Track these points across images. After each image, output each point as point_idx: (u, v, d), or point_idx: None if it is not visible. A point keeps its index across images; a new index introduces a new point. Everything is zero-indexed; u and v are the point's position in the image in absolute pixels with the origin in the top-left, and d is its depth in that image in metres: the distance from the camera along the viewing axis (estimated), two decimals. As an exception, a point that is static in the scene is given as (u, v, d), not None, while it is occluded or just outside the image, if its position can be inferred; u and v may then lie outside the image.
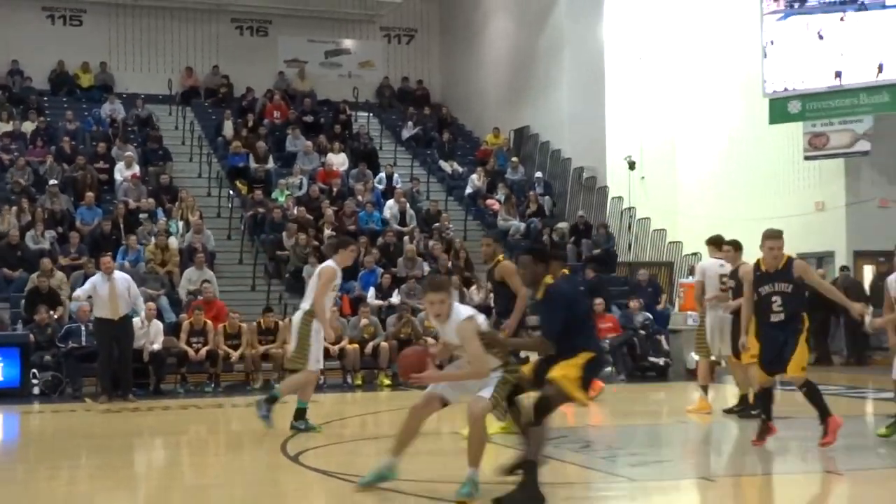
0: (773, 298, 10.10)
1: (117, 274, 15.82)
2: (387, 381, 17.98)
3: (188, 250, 20.55)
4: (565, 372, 7.62)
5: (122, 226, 21.08)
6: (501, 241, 12.83)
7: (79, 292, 15.91)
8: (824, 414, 10.01)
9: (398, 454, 7.98)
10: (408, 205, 23.95)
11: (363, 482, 7.99)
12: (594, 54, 26.83)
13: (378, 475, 7.97)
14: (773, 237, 10.26)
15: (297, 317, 11.94)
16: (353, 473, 8.80)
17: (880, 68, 23.55)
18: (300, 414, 11.78)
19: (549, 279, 8.05)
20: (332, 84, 30.83)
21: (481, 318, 7.76)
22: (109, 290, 15.32)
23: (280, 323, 17.89)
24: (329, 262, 12.07)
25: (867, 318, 11.09)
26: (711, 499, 8.49)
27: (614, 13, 27.60)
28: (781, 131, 25.33)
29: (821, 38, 24.35)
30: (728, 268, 13.09)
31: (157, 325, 17.11)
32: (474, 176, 26.22)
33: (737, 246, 13.16)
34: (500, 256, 11.60)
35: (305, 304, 11.82)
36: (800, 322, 10.16)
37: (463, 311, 7.70)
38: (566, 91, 26.86)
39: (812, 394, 10.13)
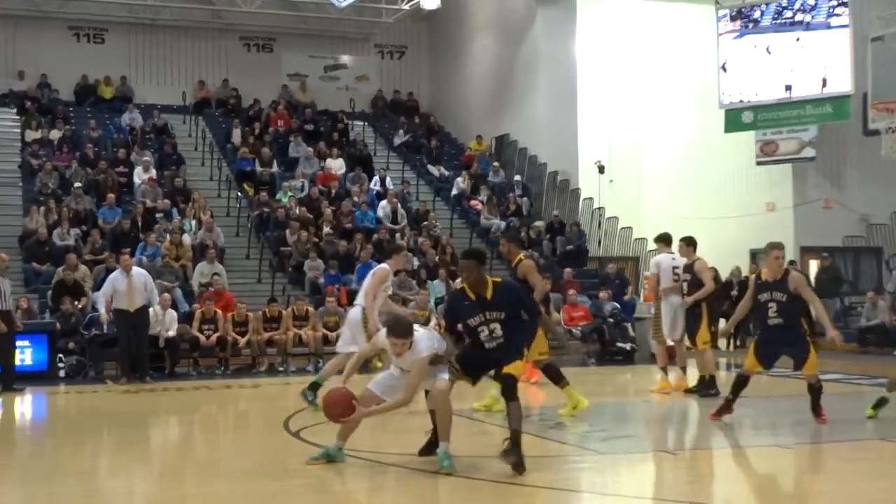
0: (770, 305, 10.09)
1: (135, 270, 15.88)
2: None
3: (200, 246, 20.53)
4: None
5: (140, 224, 21.05)
6: (514, 240, 12.70)
7: (99, 297, 15.95)
8: (816, 409, 10.19)
9: (344, 440, 8.08)
10: (399, 205, 23.94)
11: (311, 458, 8.14)
12: (567, 69, 26.85)
13: (326, 454, 8.10)
14: (777, 248, 10.27)
15: (354, 312, 11.93)
16: (349, 448, 8.81)
17: (824, 82, 23.64)
18: (315, 387, 11.65)
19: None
20: (330, 96, 30.78)
21: (440, 345, 7.86)
22: (128, 286, 15.44)
23: (283, 312, 17.91)
24: (384, 265, 12.24)
25: (837, 342, 11.11)
26: (671, 469, 8.51)
27: (586, 31, 27.60)
28: (735, 139, 25.41)
29: (771, 54, 24.44)
30: (680, 261, 13.11)
31: (172, 314, 17.10)
32: (459, 179, 26.21)
33: (689, 242, 13.16)
34: (522, 255, 11.57)
35: (360, 301, 11.83)
36: (801, 327, 10.30)
37: (423, 346, 7.73)
38: (542, 102, 26.88)
39: (815, 391, 10.24)
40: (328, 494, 7.14)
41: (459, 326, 8.05)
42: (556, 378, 10.88)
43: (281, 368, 17.65)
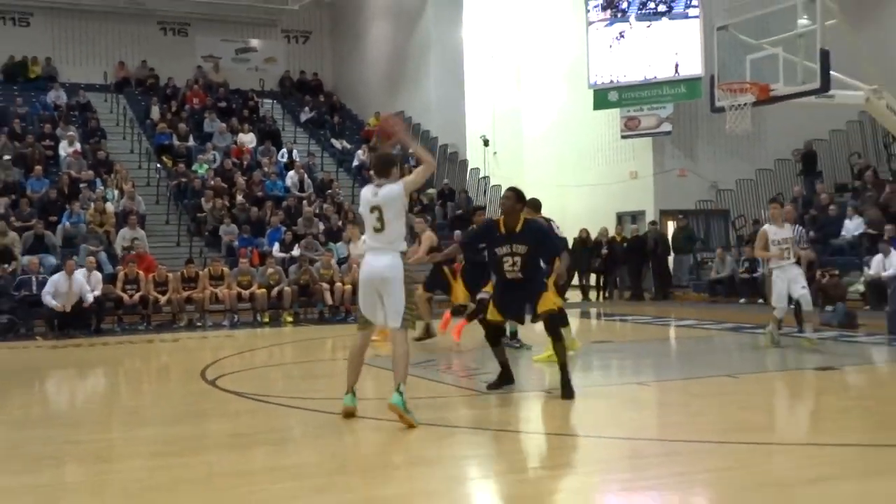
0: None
1: (77, 273, 15.70)
2: (289, 319, 17.84)
3: (122, 213, 20.02)
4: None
5: (66, 193, 20.40)
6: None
7: (45, 296, 15.68)
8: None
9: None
10: (305, 175, 23.70)
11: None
12: (455, 52, 26.85)
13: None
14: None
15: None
16: (261, 394, 8.73)
17: (679, 66, 24.08)
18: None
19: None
20: (242, 76, 30.25)
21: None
22: (69, 287, 15.31)
23: (200, 272, 17.63)
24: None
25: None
26: (553, 406, 8.62)
27: (472, 18, 27.61)
28: (603, 115, 25.73)
29: (634, 41, 24.75)
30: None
31: (97, 276, 16.65)
32: (360, 151, 26.02)
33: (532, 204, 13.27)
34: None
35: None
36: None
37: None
38: (433, 81, 26.83)
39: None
40: (241, 437, 7.05)
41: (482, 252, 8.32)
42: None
43: (199, 324, 17.37)
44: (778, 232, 11.60)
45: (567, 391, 8.17)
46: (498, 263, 8.16)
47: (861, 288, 17.41)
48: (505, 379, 8.56)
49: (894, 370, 10.32)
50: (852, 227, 19.38)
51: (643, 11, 24.69)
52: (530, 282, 8.19)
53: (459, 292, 11.95)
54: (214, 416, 8.01)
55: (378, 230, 7.14)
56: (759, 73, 13.91)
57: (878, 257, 17.09)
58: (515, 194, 8.27)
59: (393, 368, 7.13)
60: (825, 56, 12.63)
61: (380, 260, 7.11)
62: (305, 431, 7.31)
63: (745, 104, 13.79)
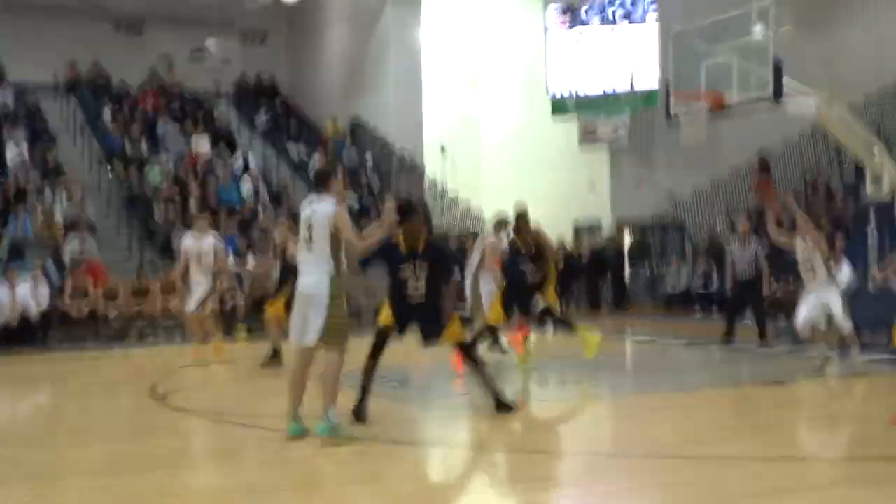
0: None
1: (22, 286, 15.45)
2: (243, 333, 17.68)
3: (71, 220, 19.75)
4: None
5: (12, 199, 20.10)
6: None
7: None
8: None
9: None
10: (260, 182, 23.59)
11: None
12: (413, 57, 26.90)
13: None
14: None
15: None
16: (213, 411, 8.71)
17: (636, 74, 24.33)
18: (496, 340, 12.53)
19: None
20: (196, 78, 29.95)
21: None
22: (12, 300, 15.05)
23: (151, 284, 17.49)
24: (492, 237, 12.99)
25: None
26: (499, 421, 8.69)
27: (430, 23, 27.68)
28: (561, 123, 25.90)
29: (592, 47, 24.97)
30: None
31: (44, 286, 16.42)
32: (316, 157, 25.96)
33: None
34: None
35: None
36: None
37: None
38: (391, 87, 26.84)
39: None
40: (190, 456, 7.03)
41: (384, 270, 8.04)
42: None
43: (150, 337, 17.19)
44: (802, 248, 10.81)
45: (503, 407, 8.12)
46: (399, 284, 7.97)
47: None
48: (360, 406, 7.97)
49: (845, 383, 10.53)
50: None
51: (603, 17, 24.94)
52: (432, 304, 8.02)
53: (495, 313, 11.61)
54: (163, 434, 7.98)
55: (308, 245, 7.13)
56: (713, 81, 14.12)
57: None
58: (423, 214, 8.19)
59: (322, 391, 7.08)
60: (778, 64, 12.85)
61: (308, 277, 7.08)
62: (257, 450, 7.30)
63: (700, 113, 13.99)
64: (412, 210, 8.12)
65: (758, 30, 13.41)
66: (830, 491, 5.84)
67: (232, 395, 10.65)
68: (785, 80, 13.06)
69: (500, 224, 13.09)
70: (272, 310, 11.90)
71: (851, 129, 13.61)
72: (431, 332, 7.98)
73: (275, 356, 11.98)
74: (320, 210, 7.14)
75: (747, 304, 14.48)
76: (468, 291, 12.99)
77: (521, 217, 8.78)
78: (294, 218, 20.87)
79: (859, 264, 13.22)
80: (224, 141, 25.55)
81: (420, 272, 7.93)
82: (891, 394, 8.40)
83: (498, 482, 6.45)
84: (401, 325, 7.97)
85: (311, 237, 7.09)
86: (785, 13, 13.14)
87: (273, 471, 6.52)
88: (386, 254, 8.03)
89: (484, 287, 12.89)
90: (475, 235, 25.41)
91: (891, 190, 13.04)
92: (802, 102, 13.39)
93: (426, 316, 7.96)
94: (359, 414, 7.86)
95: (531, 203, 25.54)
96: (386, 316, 7.98)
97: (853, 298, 12.46)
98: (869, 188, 13.94)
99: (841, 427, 8.31)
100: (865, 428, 8.03)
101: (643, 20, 24.38)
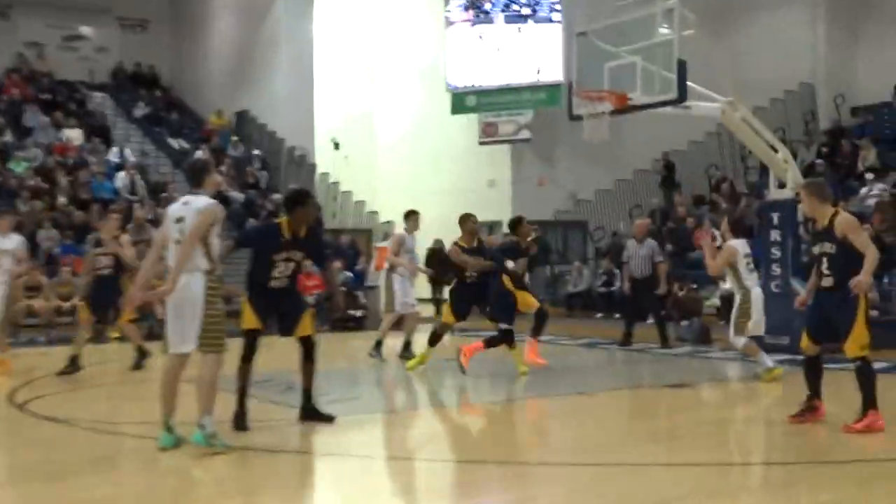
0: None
1: None
2: (115, 335, 17.17)
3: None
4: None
5: None
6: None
7: None
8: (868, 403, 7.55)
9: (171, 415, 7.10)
10: (138, 176, 23.03)
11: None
12: (305, 48, 26.65)
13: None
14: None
15: (381, 278, 13.00)
16: (79, 418, 8.38)
17: (540, 71, 24.59)
18: (378, 345, 12.78)
19: None
20: (69, 66, 29.12)
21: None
22: None
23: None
24: (398, 230, 13.15)
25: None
26: (393, 428, 8.61)
27: (323, 13, 27.45)
28: (461, 119, 25.99)
29: (496, 44, 25.14)
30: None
31: None
32: (199, 152, 25.42)
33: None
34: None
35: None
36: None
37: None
38: (281, 79, 26.56)
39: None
40: (54, 466, 6.73)
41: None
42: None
43: (10, 340, 16.52)
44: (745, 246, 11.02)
45: (314, 414, 8.05)
46: (268, 268, 7.83)
47: (717, 302, 18.10)
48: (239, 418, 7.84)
49: (746, 387, 10.75)
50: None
51: (507, 13, 25.12)
52: (292, 292, 8.03)
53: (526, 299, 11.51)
54: (24, 444, 7.65)
55: (179, 243, 6.91)
56: (617, 81, 14.28)
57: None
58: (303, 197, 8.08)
59: (197, 397, 6.92)
60: (682, 66, 13.08)
61: (180, 279, 6.86)
62: (125, 459, 7.06)
63: (603, 112, 14.15)
64: (308, 196, 8.16)
65: (662, 32, 13.63)
66: (730, 499, 5.90)
67: (101, 400, 10.29)
68: (689, 83, 13.32)
69: (408, 217, 13.33)
70: (84, 313, 11.98)
71: (755, 132, 13.94)
72: (290, 323, 7.91)
73: (142, 358, 12.08)
74: (194, 207, 6.95)
75: (645, 304, 14.74)
76: (381, 286, 13.36)
77: (312, 202, 8.49)
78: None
79: (761, 264, 13.52)
80: (99, 133, 24.89)
81: (291, 261, 7.87)
82: (790, 396, 8.59)
83: (384, 492, 6.33)
84: (264, 319, 7.87)
85: (182, 236, 6.89)
86: (690, 16, 13.38)
87: (145, 481, 6.29)
88: (265, 236, 8.04)
89: (396, 282, 13.04)
90: (369, 233, 25.46)
91: (794, 191, 13.39)
92: (707, 105, 13.65)
93: (286, 304, 7.93)
94: (238, 422, 7.73)
95: (429, 201, 25.85)
96: (249, 318, 7.85)
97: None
98: (772, 189, 14.30)
99: (742, 431, 8.46)
100: (767, 431, 8.20)
101: (549, 17, 24.64)
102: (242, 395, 7.80)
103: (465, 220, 11.99)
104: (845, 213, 7.72)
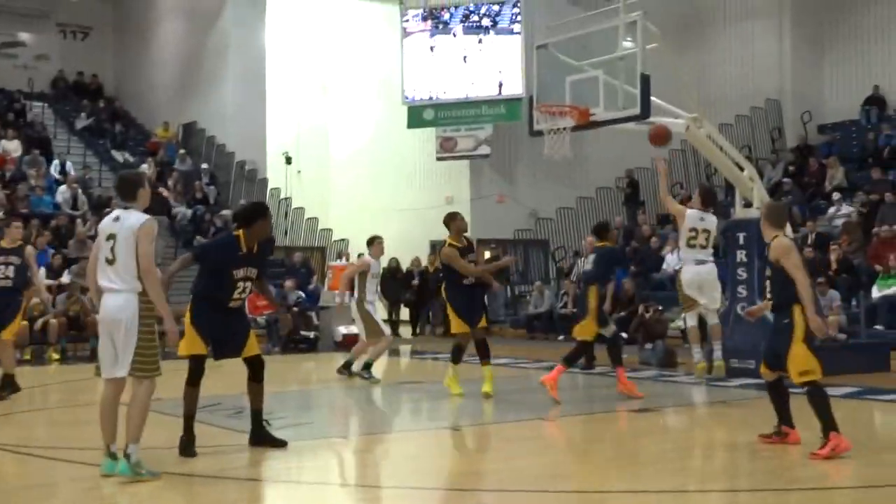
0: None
1: None
2: (56, 356, 17.07)
3: None
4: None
5: None
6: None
7: None
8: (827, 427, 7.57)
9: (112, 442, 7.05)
10: (80, 190, 22.88)
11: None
12: (256, 58, 26.63)
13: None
14: None
15: (352, 308, 13.00)
16: (19, 444, 8.32)
17: (500, 85, 24.79)
18: (368, 366, 12.80)
19: None
20: (7, 74, 28.90)
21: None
22: None
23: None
24: (365, 255, 13.41)
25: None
26: (344, 454, 8.63)
27: (275, 24, 27.46)
28: (417, 134, 26.10)
29: (454, 56, 25.30)
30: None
31: None
32: (145, 165, 25.30)
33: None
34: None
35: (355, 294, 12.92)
36: None
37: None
38: (231, 90, 26.51)
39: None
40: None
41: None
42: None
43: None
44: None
45: (265, 439, 8.06)
46: (229, 285, 7.77)
47: (682, 324, 18.29)
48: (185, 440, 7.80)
49: (711, 411, 10.90)
50: (673, 260, 20.13)
51: (466, 24, 25.30)
52: (243, 312, 8.14)
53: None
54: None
55: (110, 262, 6.87)
56: (579, 96, 14.41)
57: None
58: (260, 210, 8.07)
59: (126, 425, 6.87)
60: (646, 81, 13.23)
61: (111, 300, 6.84)
62: (69, 486, 7.03)
63: (564, 128, 14.28)
64: (267, 209, 8.21)
65: (626, 45, 13.80)
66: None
67: (42, 425, 10.22)
68: (653, 98, 13.49)
69: (371, 242, 13.37)
70: (7, 334, 11.38)
71: (721, 149, 14.17)
72: (240, 342, 7.87)
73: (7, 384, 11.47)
74: (126, 224, 6.93)
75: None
76: (353, 311, 13.14)
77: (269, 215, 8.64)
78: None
79: (727, 285, 13.72)
80: (38, 144, 24.70)
81: (249, 279, 7.86)
82: (756, 420, 8.74)
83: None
84: (208, 342, 7.77)
85: (113, 254, 6.87)
86: (654, 30, 13.57)
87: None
88: (225, 250, 7.95)
89: (371, 308, 13.03)
90: (322, 251, 25.45)
91: (759, 209, 13.62)
92: (671, 121, 13.83)
93: (236, 324, 7.91)
94: (185, 448, 7.71)
95: (385, 220, 25.85)
96: (193, 343, 7.75)
97: (723, 320, 12.97)
98: (737, 207, 14.53)
99: (706, 457, 8.58)
100: (731, 456, 8.32)
101: (510, 29, 24.87)
102: (189, 419, 7.79)
103: (453, 218, 11.73)
104: (783, 237, 7.85)
